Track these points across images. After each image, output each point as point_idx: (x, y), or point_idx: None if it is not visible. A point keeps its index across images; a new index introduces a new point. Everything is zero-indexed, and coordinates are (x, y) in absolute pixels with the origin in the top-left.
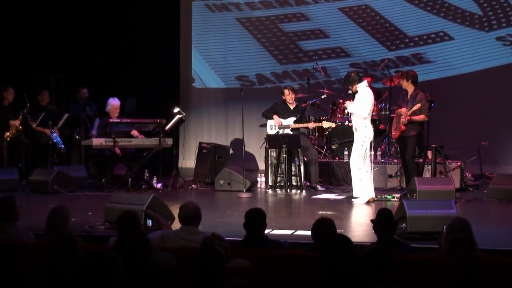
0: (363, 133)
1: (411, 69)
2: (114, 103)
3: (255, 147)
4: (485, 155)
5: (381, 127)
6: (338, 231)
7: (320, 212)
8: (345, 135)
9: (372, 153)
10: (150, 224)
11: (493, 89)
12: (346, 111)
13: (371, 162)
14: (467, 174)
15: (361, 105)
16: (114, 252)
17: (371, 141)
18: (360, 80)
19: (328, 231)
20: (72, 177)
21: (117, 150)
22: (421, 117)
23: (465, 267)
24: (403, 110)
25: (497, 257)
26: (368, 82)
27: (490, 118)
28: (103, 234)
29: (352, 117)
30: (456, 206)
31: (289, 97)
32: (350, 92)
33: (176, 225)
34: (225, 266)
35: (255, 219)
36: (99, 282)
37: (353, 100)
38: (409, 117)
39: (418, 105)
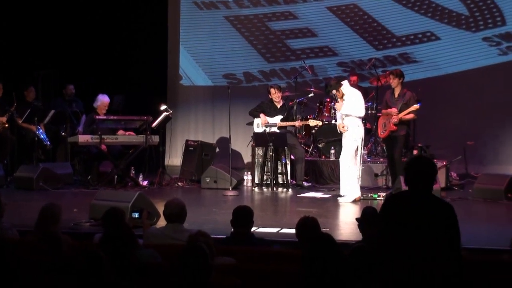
0: (355, 132)
1: (397, 68)
2: (104, 99)
3: (242, 145)
4: (471, 154)
5: (368, 126)
6: (323, 229)
7: (299, 209)
8: (331, 134)
9: (364, 152)
10: (137, 216)
11: (479, 90)
12: (336, 111)
13: (360, 162)
14: (452, 173)
15: (355, 105)
16: (100, 249)
17: (362, 140)
18: (339, 84)
19: (312, 230)
20: (57, 174)
21: (103, 147)
22: (410, 116)
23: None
24: (394, 110)
25: (482, 256)
26: (354, 81)
27: (476, 118)
28: (88, 231)
29: (344, 117)
30: None
31: (276, 96)
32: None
33: (162, 222)
34: (210, 263)
35: (243, 216)
36: (85, 278)
37: (337, 102)
38: (400, 118)
39: (416, 106)
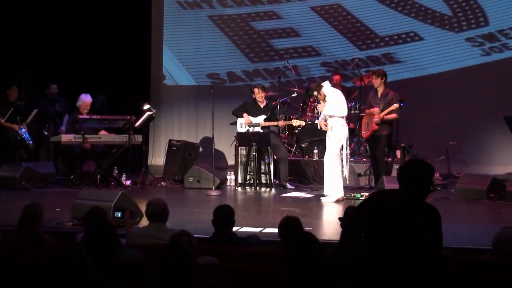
0: (339, 132)
1: (380, 68)
2: (86, 99)
3: (225, 145)
4: (453, 155)
5: (351, 126)
6: (306, 229)
7: (282, 208)
8: (315, 134)
9: (349, 152)
10: (120, 216)
11: (462, 90)
12: (319, 112)
13: (347, 161)
14: (435, 173)
15: (336, 105)
16: (82, 248)
17: (347, 140)
18: (319, 86)
19: (294, 229)
20: (40, 174)
21: (87, 146)
22: (393, 116)
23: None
24: (376, 109)
25: (464, 256)
26: (337, 80)
27: (458, 118)
28: (71, 230)
29: (328, 117)
30: None
31: (259, 95)
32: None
33: (145, 222)
34: (192, 262)
35: (224, 216)
36: (67, 277)
37: (319, 103)
38: (382, 117)
39: (396, 105)
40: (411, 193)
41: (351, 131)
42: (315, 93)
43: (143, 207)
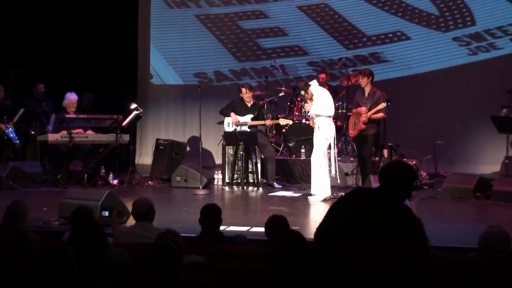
0: (326, 131)
1: (367, 67)
2: (72, 97)
3: (213, 144)
4: (440, 154)
5: (338, 123)
6: (294, 228)
7: (270, 208)
8: (302, 133)
9: (336, 151)
10: (107, 215)
11: (449, 89)
12: (306, 111)
13: (335, 161)
14: (422, 172)
15: (323, 104)
16: (69, 247)
17: (334, 139)
18: (307, 85)
19: (280, 228)
20: (27, 173)
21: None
22: (380, 115)
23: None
24: (363, 109)
25: (451, 254)
26: (323, 78)
27: (445, 118)
28: (58, 229)
29: (315, 116)
30: (410, 204)
31: (246, 96)
32: (302, 93)
33: (132, 221)
34: (178, 261)
35: (211, 215)
36: (54, 275)
37: (306, 102)
38: (370, 116)
39: (384, 104)
40: (394, 193)
41: (339, 129)
42: (302, 92)
43: (130, 206)
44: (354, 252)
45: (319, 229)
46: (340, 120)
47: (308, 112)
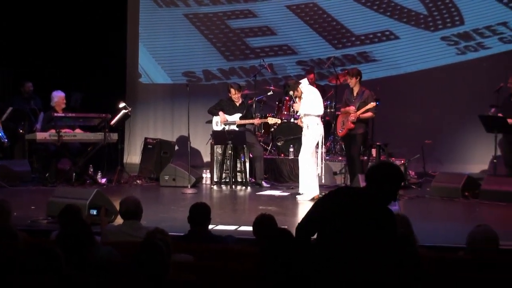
0: (314, 130)
1: (355, 67)
2: (59, 95)
3: (201, 143)
4: (429, 153)
5: (327, 118)
6: (282, 227)
7: (258, 207)
8: (290, 132)
9: (324, 150)
10: (95, 213)
11: (438, 89)
12: (295, 111)
13: (322, 160)
14: (410, 172)
15: (312, 104)
16: (56, 246)
17: (322, 138)
18: (297, 83)
19: (268, 227)
20: (15, 171)
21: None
22: (368, 114)
23: (406, 262)
24: (352, 108)
25: (438, 253)
26: (311, 79)
27: (434, 117)
28: (46, 228)
29: (303, 115)
30: (398, 203)
31: (235, 96)
32: (291, 93)
33: (120, 220)
34: (166, 260)
35: (200, 213)
36: (41, 274)
37: (295, 102)
38: (358, 115)
39: (373, 103)
40: (381, 193)
41: (329, 127)
42: (291, 92)
43: (118, 205)
44: (340, 250)
45: (302, 224)
46: (329, 118)
47: (297, 112)
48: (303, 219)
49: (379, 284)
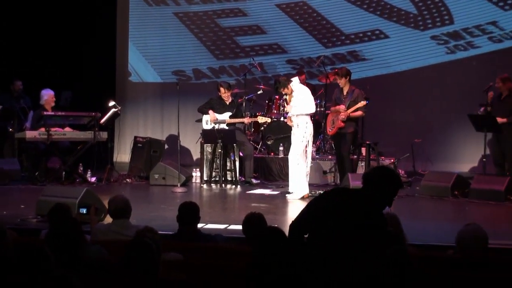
0: (304, 129)
1: (344, 66)
2: (48, 93)
3: (191, 142)
4: (418, 152)
5: (316, 117)
6: (273, 225)
7: (248, 205)
8: (280, 131)
9: (314, 149)
10: (84, 212)
11: (427, 88)
12: (286, 111)
13: (312, 159)
14: (400, 170)
15: (304, 103)
16: (45, 244)
17: (311, 136)
18: (288, 81)
19: (258, 226)
20: (5, 170)
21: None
22: (358, 113)
23: (395, 261)
24: (342, 107)
25: (428, 252)
26: (302, 79)
27: (423, 116)
28: (35, 227)
29: (295, 116)
30: None
31: (225, 95)
32: (284, 96)
33: (110, 218)
34: (156, 258)
35: (189, 212)
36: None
37: (287, 103)
38: (349, 114)
39: (364, 102)
40: (380, 195)
41: (318, 126)
42: (281, 90)
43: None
44: (332, 250)
45: (296, 222)
46: (319, 117)
47: (288, 113)
48: (297, 217)
49: (368, 285)
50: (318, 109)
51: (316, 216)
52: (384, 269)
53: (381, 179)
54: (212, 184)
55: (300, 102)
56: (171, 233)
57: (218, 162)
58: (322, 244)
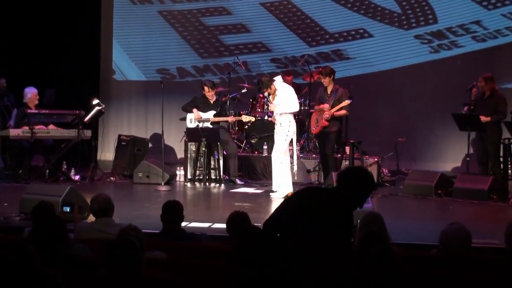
0: (287, 128)
1: (329, 65)
2: (32, 91)
3: (175, 140)
4: (402, 151)
5: (300, 117)
6: (256, 224)
7: (232, 204)
8: (264, 130)
9: (298, 148)
10: (68, 210)
11: (411, 87)
12: (270, 110)
13: (296, 157)
14: (384, 169)
15: (288, 102)
16: (29, 242)
17: (295, 135)
18: (271, 80)
19: (242, 224)
20: None
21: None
22: (342, 112)
23: (378, 260)
24: (326, 106)
25: (411, 251)
26: (289, 80)
27: (407, 115)
28: (18, 225)
29: (279, 114)
30: (371, 201)
31: (209, 93)
32: (266, 93)
33: (93, 217)
34: (140, 256)
35: (172, 211)
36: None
37: (271, 102)
38: (333, 113)
39: (348, 101)
40: (356, 195)
41: (302, 125)
42: (266, 92)
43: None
44: (306, 249)
45: (269, 220)
46: (303, 116)
47: (273, 113)
48: (270, 216)
49: (344, 284)
50: (302, 108)
51: (290, 215)
52: (368, 268)
53: (358, 180)
54: (196, 183)
55: (284, 101)
56: (155, 231)
57: (202, 160)
58: (296, 242)
